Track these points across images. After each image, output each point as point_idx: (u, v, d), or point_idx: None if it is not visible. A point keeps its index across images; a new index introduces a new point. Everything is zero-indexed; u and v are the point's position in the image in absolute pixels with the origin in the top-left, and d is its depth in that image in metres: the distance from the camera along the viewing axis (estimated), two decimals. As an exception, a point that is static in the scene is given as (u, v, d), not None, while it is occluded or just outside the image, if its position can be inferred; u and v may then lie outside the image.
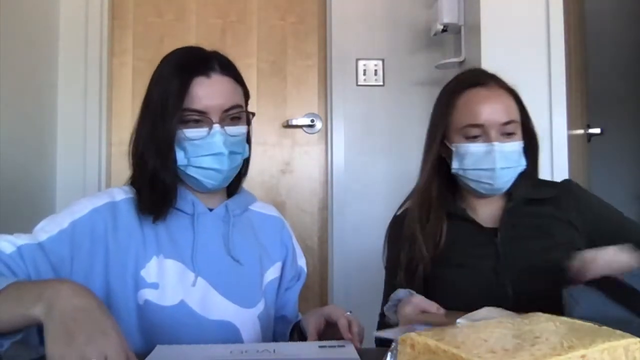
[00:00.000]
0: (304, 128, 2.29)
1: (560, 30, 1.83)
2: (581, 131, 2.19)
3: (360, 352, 0.81)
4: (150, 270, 0.93)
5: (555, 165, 1.78)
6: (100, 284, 0.91)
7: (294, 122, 2.28)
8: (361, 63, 2.28)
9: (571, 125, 1.91)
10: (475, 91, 1.12)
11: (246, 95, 1.05)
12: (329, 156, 2.26)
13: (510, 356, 0.41)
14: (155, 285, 0.92)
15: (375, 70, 2.28)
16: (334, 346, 0.83)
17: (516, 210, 1.13)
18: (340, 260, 2.20)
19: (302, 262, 1.16)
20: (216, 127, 0.95)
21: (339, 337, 0.87)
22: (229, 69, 1.02)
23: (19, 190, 1.78)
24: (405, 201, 1.24)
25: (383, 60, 2.29)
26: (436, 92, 2.22)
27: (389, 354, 0.53)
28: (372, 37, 2.29)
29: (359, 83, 2.27)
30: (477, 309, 0.88)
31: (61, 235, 0.90)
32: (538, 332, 0.48)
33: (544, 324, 0.52)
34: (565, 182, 1.22)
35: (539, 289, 1.04)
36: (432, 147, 1.17)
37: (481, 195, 1.15)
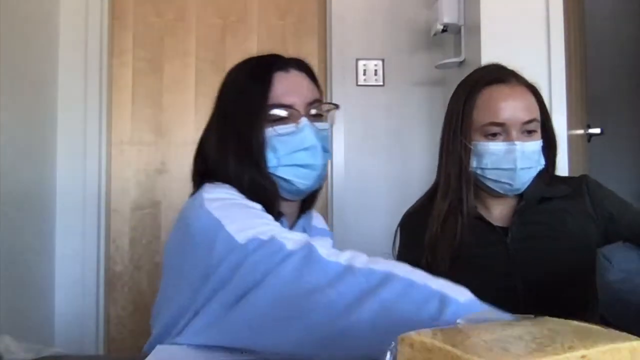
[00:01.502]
0: (304, 128, 2.29)
1: (560, 30, 1.83)
2: (581, 131, 2.19)
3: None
4: None
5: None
6: None
7: (294, 122, 2.27)
8: (361, 63, 2.28)
9: (571, 125, 1.91)
10: (496, 88, 1.09)
11: (321, 96, 0.99)
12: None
13: (507, 354, 0.41)
14: None
15: (375, 70, 2.28)
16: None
17: (528, 209, 1.11)
18: (340, 260, 2.20)
19: None
20: (304, 119, 0.90)
21: None
22: (305, 66, 0.98)
23: (19, 190, 1.78)
24: (422, 197, 1.21)
25: (383, 60, 2.29)
26: (436, 92, 2.22)
27: (389, 352, 0.52)
28: (372, 37, 2.29)
29: (359, 83, 2.27)
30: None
31: None
32: (538, 333, 0.48)
33: (548, 325, 0.52)
34: (582, 177, 1.20)
35: (550, 289, 1.03)
36: (450, 144, 1.13)
37: (498, 195, 1.12)
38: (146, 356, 0.79)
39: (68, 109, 2.12)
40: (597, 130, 2.30)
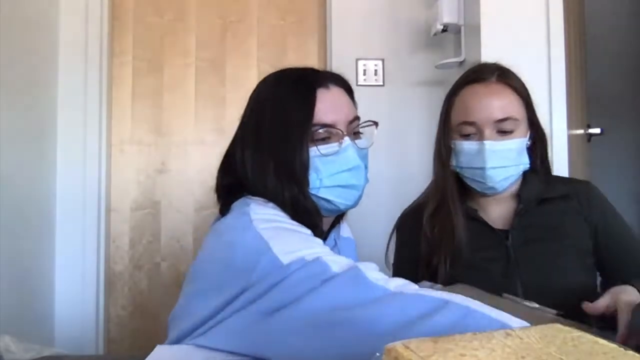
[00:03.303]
0: (304, 128, 2.29)
1: (560, 30, 1.83)
2: (581, 131, 2.19)
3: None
4: None
5: (555, 165, 1.77)
6: None
7: (294, 122, 2.27)
8: (361, 63, 2.28)
9: (571, 125, 1.91)
10: (471, 88, 1.10)
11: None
12: (329, 156, 2.26)
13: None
14: None
15: (375, 70, 2.28)
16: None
17: (527, 212, 1.11)
18: (340, 260, 2.20)
19: None
20: (346, 139, 0.88)
21: None
22: (344, 82, 0.95)
23: (18, 191, 1.78)
24: (419, 197, 1.22)
25: (383, 60, 2.29)
26: (436, 92, 2.23)
27: None
28: (372, 37, 2.29)
29: (359, 83, 2.27)
30: None
31: None
32: (526, 352, 0.47)
33: (546, 341, 0.51)
34: (585, 181, 1.20)
35: (550, 292, 1.03)
36: (437, 144, 1.16)
37: (483, 195, 1.13)
38: (146, 356, 0.79)
39: (68, 108, 2.12)
40: (597, 130, 2.30)
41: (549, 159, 1.18)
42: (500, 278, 1.07)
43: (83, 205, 2.11)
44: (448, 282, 1.08)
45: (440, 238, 1.11)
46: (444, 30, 2.04)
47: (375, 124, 0.97)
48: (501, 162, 1.06)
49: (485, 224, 1.12)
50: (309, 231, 0.80)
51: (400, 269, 1.20)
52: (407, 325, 0.61)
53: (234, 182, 0.90)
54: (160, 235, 2.22)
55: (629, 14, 2.93)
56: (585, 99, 2.32)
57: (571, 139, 1.90)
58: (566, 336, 0.52)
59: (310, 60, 2.31)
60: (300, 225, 0.81)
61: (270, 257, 0.71)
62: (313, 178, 0.86)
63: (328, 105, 0.87)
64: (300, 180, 0.85)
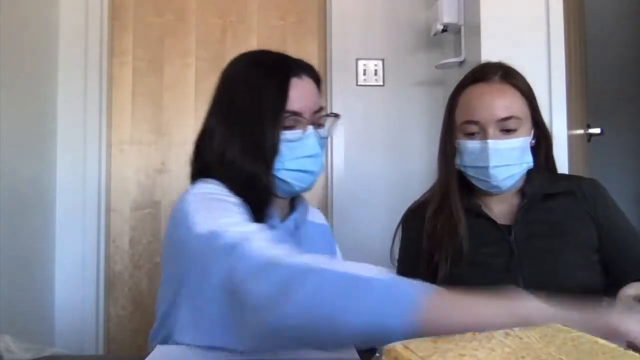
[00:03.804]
0: (304, 128, 2.29)
1: (560, 30, 1.83)
2: (581, 131, 2.19)
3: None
4: None
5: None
6: None
7: (294, 122, 2.27)
8: (361, 63, 2.28)
9: (571, 125, 1.91)
10: (474, 87, 1.11)
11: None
12: (329, 156, 2.26)
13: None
14: None
15: (375, 70, 2.28)
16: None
17: (531, 208, 1.11)
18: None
19: None
20: (310, 128, 0.95)
21: None
22: (315, 73, 1.02)
23: (19, 190, 1.78)
24: (424, 194, 1.22)
25: (383, 60, 2.29)
26: (436, 92, 2.23)
27: None
28: (372, 37, 2.29)
29: (359, 83, 2.27)
30: None
31: None
32: (525, 352, 0.47)
33: (545, 341, 0.51)
34: (590, 179, 1.20)
35: (552, 289, 1.03)
36: (442, 143, 1.16)
37: (487, 193, 1.13)
38: (147, 356, 0.79)
39: (68, 108, 2.12)
40: (597, 130, 2.30)
41: (553, 157, 1.18)
42: (503, 273, 1.06)
43: (83, 205, 2.11)
44: (448, 280, 1.08)
45: (441, 236, 1.11)
46: (444, 30, 2.04)
47: (337, 116, 1.03)
48: (504, 160, 1.07)
49: (488, 219, 1.12)
50: (236, 200, 0.86)
51: (404, 264, 1.20)
52: (277, 295, 0.64)
53: (203, 166, 0.96)
54: (160, 235, 2.21)
55: (629, 14, 2.93)
56: (585, 99, 2.32)
57: (571, 139, 1.90)
58: (566, 336, 0.52)
59: (310, 60, 2.30)
60: (232, 197, 0.86)
61: (186, 227, 0.79)
62: (276, 160, 0.93)
63: (299, 94, 0.94)
64: (268, 161, 0.92)
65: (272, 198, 0.94)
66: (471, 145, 1.09)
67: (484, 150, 1.06)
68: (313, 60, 2.32)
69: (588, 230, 1.10)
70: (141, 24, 2.26)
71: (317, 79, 1.01)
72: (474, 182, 1.12)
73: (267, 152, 0.92)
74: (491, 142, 1.06)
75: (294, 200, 1.06)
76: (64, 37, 2.13)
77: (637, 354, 0.47)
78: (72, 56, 2.13)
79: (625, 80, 2.90)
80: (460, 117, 1.11)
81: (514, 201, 1.14)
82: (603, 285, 1.08)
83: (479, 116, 1.07)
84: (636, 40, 2.90)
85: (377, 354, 0.51)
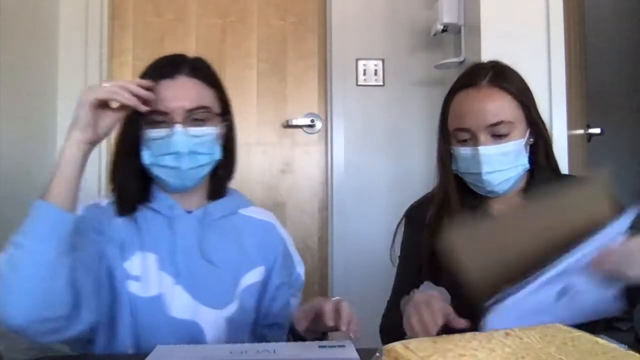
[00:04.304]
0: (304, 128, 2.29)
1: (560, 30, 1.83)
2: (581, 131, 2.19)
3: (360, 351, 0.81)
4: (134, 264, 0.98)
5: (555, 165, 1.78)
6: (104, 270, 0.96)
7: (294, 122, 2.28)
8: (361, 63, 2.28)
9: (571, 125, 1.91)
10: (464, 93, 1.10)
11: (223, 100, 1.08)
12: (329, 156, 2.26)
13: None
14: (137, 278, 0.98)
15: (375, 70, 2.28)
16: (334, 346, 0.83)
17: None
18: (340, 260, 2.20)
19: (300, 269, 1.16)
20: (177, 127, 0.98)
21: (331, 329, 0.87)
22: (200, 72, 1.05)
23: (19, 191, 1.78)
24: (428, 193, 1.21)
25: (383, 60, 2.29)
26: (436, 92, 2.23)
27: None
28: (372, 37, 2.29)
29: (359, 83, 2.27)
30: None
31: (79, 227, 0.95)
32: (525, 352, 0.47)
33: (546, 341, 0.51)
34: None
35: None
36: (438, 149, 1.16)
37: (487, 197, 1.13)
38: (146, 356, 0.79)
39: (68, 109, 2.11)
40: (597, 130, 2.30)
41: (554, 155, 1.17)
42: None
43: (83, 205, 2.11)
44: (451, 279, 1.07)
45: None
46: (444, 30, 2.04)
47: (225, 116, 1.07)
48: (497, 166, 1.06)
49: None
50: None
51: (408, 257, 1.20)
52: None
53: None
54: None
55: (629, 14, 2.93)
56: (585, 99, 2.32)
57: (571, 139, 1.90)
58: (566, 336, 0.52)
59: (310, 60, 2.32)
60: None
61: None
62: (147, 155, 1.01)
63: (166, 95, 0.99)
64: (129, 156, 1.01)
65: (140, 189, 1.03)
66: (463, 152, 1.09)
67: (476, 157, 1.06)
68: (313, 60, 2.32)
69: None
70: (141, 24, 2.26)
71: (206, 79, 1.04)
72: (471, 187, 1.13)
73: (130, 148, 1.01)
74: (482, 149, 1.05)
75: (222, 194, 1.11)
76: (64, 37, 2.13)
77: (637, 354, 0.47)
78: (72, 56, 2.13)
79: (625, 80, 2.89)
80: (452, 124, 1.11)
81: (516, 201, 1.13)
82: None
83: (469, 123, 1.07)
84: (636, 40, 2.90)
85: (377, 354, 0.51)
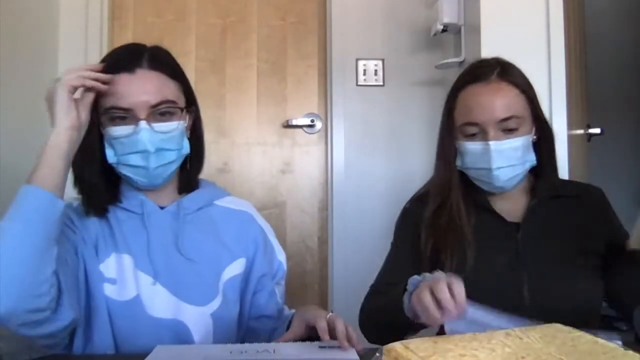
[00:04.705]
0: (304, 128, 2.29)
1: (560, 30, 1.83)
2: (581, 131, 2.19)
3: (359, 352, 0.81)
4: (109, 266, 0.95)
5: (555, 165, 1.78)
6: (82, 270, 0.93)
7: (294, 122, 2.27)
8: (361, 63, 2.28)
9: (571, 125, 1.91)
10: (472, 88, 1.09)
11: (187, 91, 1.03)
12: (329, 156, 2.26)
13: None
14: (113, 281, 0.94)
15: (375, 70, 2.28)
16: (334, 347, 0.83)
17: (540, 206, 1.10)
18: (340, 260, 2.20)
19: (281, 257, 1.13)
20: (142, 123, 0.93)
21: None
22: (160, 64, 0.99)
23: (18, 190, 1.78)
24: (420, 189, 1.20)
25: (383, 60, 2.29)
26: (436, 92, 2.22)
27: None
28: (372, 37, 2.29)
29: (359, 83, 2.27)
30: (488, 304, 0.82)
31: None
32: (526, 352, 0.47)
33: (545, 341, 0.51)
34: (597, 188, 1.18)
35: (556, 291, 1.02)
36: (440, 144, 1.15)
37: (492, 193, 1.12)
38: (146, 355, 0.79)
39: (68, 109, 2.12)
40: (597, 130, 2.30)
41: (555, 154, 1.16)
42: (506, 270, 1.05)
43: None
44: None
45: (446, 231, 1.09)
46: (444, 30, 2.04)
47: (188, 108, 1.02)
48: (507, 161, 1.05)
49: (497, 216, 1.11)
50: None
51: (401, 248, 1.18)
52: None
53: None
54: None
55: (629, 14, 2.93)
56: (585, 99, 2.32)
57: (571, 139, 1.90)
58: (566, 336, 0.52)
59: (310, 60, 2.31)
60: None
61: None
62: (111, 154, 0.96)
63: (126, 90, 0.93)
64: (89, 156, 0.95)
65: (99, 192, 0.98)
66: (472, 146, 1.07)
67: (486, 152, 1.05)
68: (313, 60, 2.32)
69: (594, 236, 1.09)
70: (141, 24, 2.26)
71: (167, 71, 0.99)
72: (476, 182, 1.11)
73: (90, 147, 0.94)
74: (493, 144, 1.04)
75: (194, 187, 1.08)
76: (64, 37, 2.13)
77: (637, 354, 0.47)
78: (72, 56, 2.12)
79: (625, 80, 2.89)
80: (459, 118, 1.10)
81: (521, 199, 1.13)
82: (602, 289, 1.08)
83: (478, 118, 1.06)
84: (636, 40, 2.90)
85: (377, 354, 0.51)
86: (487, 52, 1.81)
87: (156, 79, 0.97)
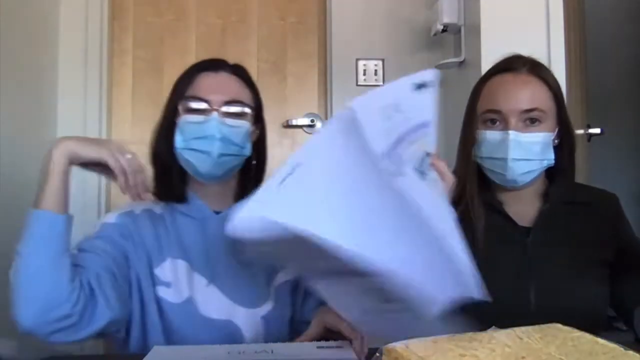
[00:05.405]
0: (304, 128, 2.29)
1: (560, 30, 1.83)
2: (581, 131, 2.19)
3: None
4: (165, 270, 0.99)
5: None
6: (134, 274, 0.98)
7: (294, 122, 2.27)
8: (361, 63, 2.28)
9: (571, 125, 1.91)
10: (500, 77, 1.08)
11: (258, 107, 1.10)
12: (329, 156, 2.26)
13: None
14: (167, 284, 0.98)
15: (375, 70, 2.28)
16: (332, 347, 0.83)
17: (552, 212, 1.08)
18: (340, 260, 2.20)
19: None
20: (214, 114, 1.00)
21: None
22: (242, 72, 1.09)
23: (19, 191, 1.78)
24: None
25: (383, 60, 2.29)
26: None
27: None
28: (372, 37, 2.29)
29: (359, 83, 2.27)
30: (493, 309, 0.76)
31: (105, 232, 1.02)
32: (526, 352, 0.47)
33: (546, 341, 0.51)
34: (611, 194, 1.17)
35: (563, 299, 1.01)
36: (463, 133, 1.13)
37: (505, 190, 1.10)
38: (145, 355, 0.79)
39: (68, 109, 2.12)
40: (597, 130, 2.30)
41: (574, 161, 1.14)
42: (512, 275, 1.04)
43: (83, 205, 2.11)
44: None
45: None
46: (444, 30, 2.04)
47: (252, 108, 1.07)
48: (524, 154, 1.03)
49: (508, 218, 1.09)
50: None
51: None
52: None
53: None
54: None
55: (630, 15, 2.93)
56: (585, 99, 2.32)
57: (571, 139, 1.89)
58: (566, 336, 0.52)
59: (310, 60, 2.31)
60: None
61: None
62: (179, 139, 1.02)
63: (207, 85, 1.03)
64: (167, 139, 1.03)
65: (188, 180, 1.06)
66: (491, 135, 1.05)
67: (504, 141, 1.03)
68: (313, 60, 2.32)
69: (605, 244, 1.08)
70: (141, 24, 2.26)
71: (242, 76, 1.08)
72: (489, 175, 1.09)
73: (167, 130, 1.04)
74: (512, 133, 1.02)
75: (245, 193, 1.06)
76: (64, 37, 2.13)
77: (637, 354, 0.47)
78: (72, 56, 2.13)
79: (626, 80, 2.89)
80: (482, 106, 1.08)
81: (533, 203, 1.11)
82: (609, 298, 1.07)
83: (501, 105, 1.04)
84: (636, 40, 2.90)
85: (377, 354, 0.51)
86: (487, 52, 1.81)
87: (236, 82, 1.06)
